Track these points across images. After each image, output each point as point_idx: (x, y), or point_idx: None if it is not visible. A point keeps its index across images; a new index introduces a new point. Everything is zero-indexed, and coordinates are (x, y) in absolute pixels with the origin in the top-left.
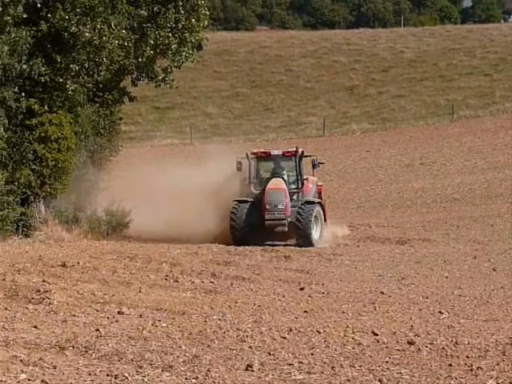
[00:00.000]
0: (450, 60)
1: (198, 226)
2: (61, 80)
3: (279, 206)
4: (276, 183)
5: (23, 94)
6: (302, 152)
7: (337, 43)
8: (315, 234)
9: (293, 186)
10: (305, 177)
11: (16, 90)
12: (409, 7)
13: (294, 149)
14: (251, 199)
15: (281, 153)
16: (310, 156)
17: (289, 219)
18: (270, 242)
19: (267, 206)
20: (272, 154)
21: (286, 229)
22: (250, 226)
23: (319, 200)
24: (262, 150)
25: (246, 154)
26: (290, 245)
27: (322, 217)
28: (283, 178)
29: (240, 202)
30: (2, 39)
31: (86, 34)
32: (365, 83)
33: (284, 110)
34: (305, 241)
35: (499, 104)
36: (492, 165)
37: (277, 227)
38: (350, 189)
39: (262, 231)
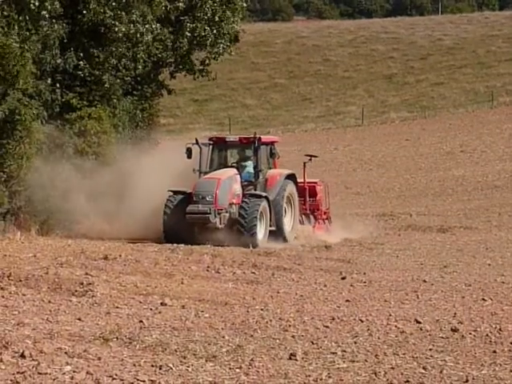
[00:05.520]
0: (489, 47)
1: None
2: (99, 74)
3: (207, 198)
4: (216, 173)
5: (58, 85)
6: (260, 139)
7: (374, 32)
8: (259, 232)
9: (249, 179)
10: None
11: (49, 81)
12: None
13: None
14: (189, 191)
15: (237, 139)
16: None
17: (225, 214)
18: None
19: (194, 198)
20: (227, 140)
21: (219, 225)
22: (181, 220)
23: (266, 194)
24: (216, 136)
25: (196, 140)
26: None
27: (268, 214)
28: (238, 169)
29: (175, 193)
30: (35, 33)
31: (122, 29)
32: (403, 71)
33: (322, 99)
34: (249, 240)
35: None
36: None
37: (200, 222)
38: (390, 178)
39: (196, 227)
